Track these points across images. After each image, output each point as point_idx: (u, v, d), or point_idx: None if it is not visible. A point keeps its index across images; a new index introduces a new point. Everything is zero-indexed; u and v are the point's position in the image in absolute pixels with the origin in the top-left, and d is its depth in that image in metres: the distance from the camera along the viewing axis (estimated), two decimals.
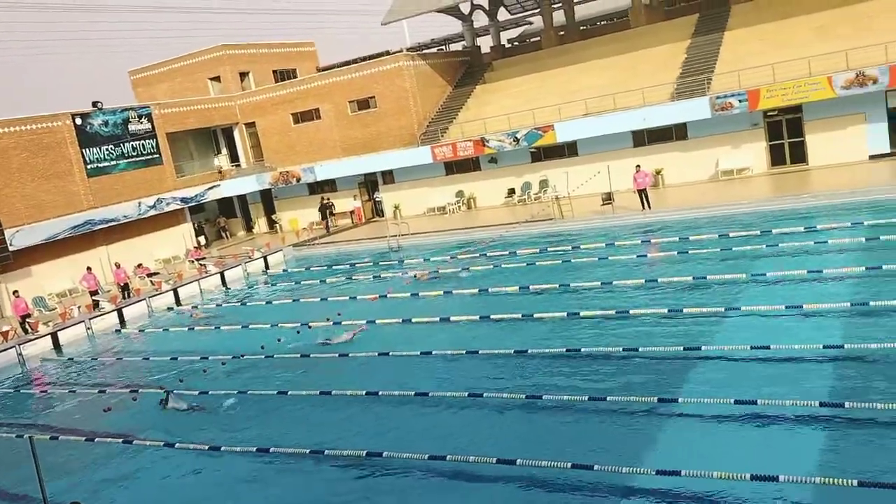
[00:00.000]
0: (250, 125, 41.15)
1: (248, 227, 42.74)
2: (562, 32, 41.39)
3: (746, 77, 27.83)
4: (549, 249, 23.51)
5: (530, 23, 52.59)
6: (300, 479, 11.21)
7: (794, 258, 17.79)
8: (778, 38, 30.12)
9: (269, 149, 40.68)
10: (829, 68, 26.17)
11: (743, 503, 8.50)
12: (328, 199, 38.49)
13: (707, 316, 14.95)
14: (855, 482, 8.10)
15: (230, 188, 39.58)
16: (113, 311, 25.48)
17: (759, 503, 8.43)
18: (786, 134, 28.77)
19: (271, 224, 41.55)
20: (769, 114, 28.53)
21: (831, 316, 13.71)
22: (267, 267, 30.47)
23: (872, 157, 27.17)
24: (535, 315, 16.85)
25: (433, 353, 15.47)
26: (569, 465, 9.73)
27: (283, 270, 29.68)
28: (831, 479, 8.28)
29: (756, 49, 29.90)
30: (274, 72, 43.65)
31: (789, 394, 10.63)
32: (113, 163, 33.67)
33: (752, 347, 12.60)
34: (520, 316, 17.04)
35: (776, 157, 29.15)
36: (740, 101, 27.39)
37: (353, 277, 25.42)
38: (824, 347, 12.11)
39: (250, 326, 20.65)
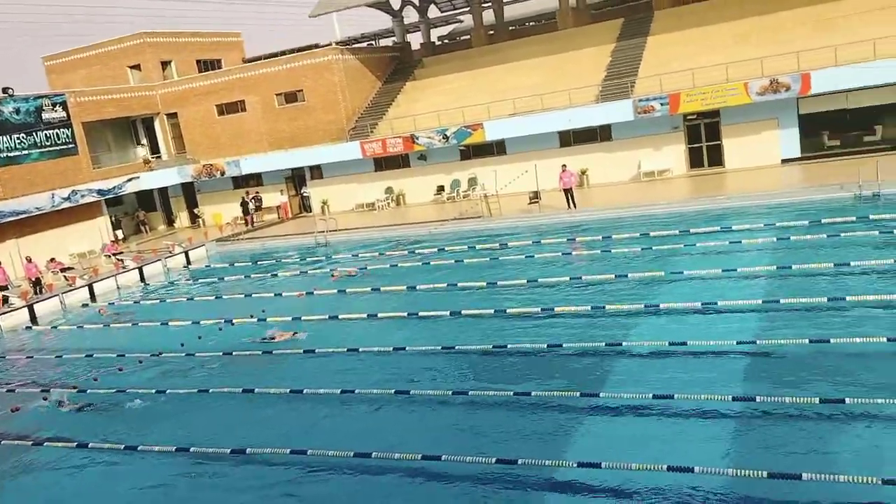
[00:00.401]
0: (172, 116, 39.93)
1: (169, 222, 41.49)
2: (491, 32, 41.77)
3: (668, 81, 28.71)
4: (477, 247, 23.68)
5: (461, 21, 52.87)
6: (221, 478, 10.95)
7: (711, 257, 18.46)
8: (698, 44, 31.19)
9: (191, 141, 39.57)
10: (745, 75, 27.27)
11: (660, 493, 8.75)
12: (256, 192, 37.77)
13: (628, 313, 15.35)
14: (764, 473, 8.46)
15: (150, 181, 38.33)
16: (23, 307, 24.30)
17: (675, 494, 8.70)
18: (704, 137, 29.84)
19: (193, 218, 40.44)
20: (689, 117, 29.52)
21: (744, 313, 14.28)
22: (188, 262, 29.63)
23: (784, 161, 28.47)
24: (463, 312, 16.94)
25: (360, 350, 15.36)
26: (493, 459, 9.83)
27: (206, 266, 28.93)
28: (742, 471, 8.62)
29: (677, 54, 30.88)
30: (198, 62, 42.48)
31: (704, 388, 11.01)
32: (24, 152, 32.11)
33: (669, 343, 12.99)
34: (448, 313, 17.09)
35: (695, 160, 30.20)
36: (662, 104, 28.24)
37: (279, 274, 25.00)
38: (738, 343, 12.59)
39: (170, 324, 20.04)
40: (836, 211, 20.43)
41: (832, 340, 11.93)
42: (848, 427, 9.63)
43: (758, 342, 12.55)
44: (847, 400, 9.90)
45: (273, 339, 16.96)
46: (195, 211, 40.26)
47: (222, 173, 37.38)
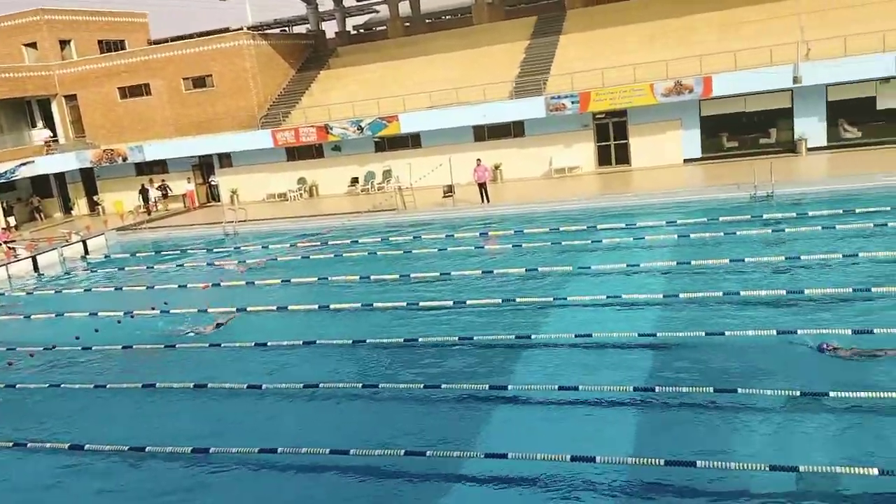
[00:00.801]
0: (71, 98, 38.00)
1: (67, 209, 39.48)
2: (407, 24, 41.64)
3: (578, 80, 29.38)
4: (390, 239, 23.62)
5: (376, 11, 52.41)
6: (118, 477, 10.51)
7: (616, 252, 19.05)
8: (608, 44, 32.04)
9: (92, 124, 37.74)
10: (651, 76, 28.21)
11: (564, 482, 8.97)
12: (163, 181, 36.47)
13: (537, 306, 15.65)
14: (662, 461, 8.80)
15: (46, 165, 36.37)
16: None
17: (578, 482, 8.94)
18: (612, 136, 30.72)
19: (93, 206, 38.61)
20: (598, 116, 30.32)
21: (646, 306, 14.81)
22: (87, 252, 28.28)
23: (686, 161, 29.66)
24: (375, 305, 16.85)
25: (268, 343, 15.05)
26: (402, 452, 9.84)
27: (105, 256, 27.70)
28: (642, 459, 8.95)
29: (588, 54, 31.63)
30: (99, 42, 40.51)
31: (607, 379, 11.35)
32: None
33: (576, 336, 13.33)
34: (359, 306, 16.97)
35: (603, 158, 31.06)
36: (572, 102, 28.89)
37: (184, 265, 24.20)
38: (639, 335, 13.04)
39: (65, 315, 19.08)
40: (734, 210, 21.45)
41: (727, 333, 12.51)
42: (739, 415, 10.12)
43: (658, 334, 13.03)
44: (739, 390, 10.41)
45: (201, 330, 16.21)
46: (95, 198, 38.44)
47: (124, 159, 35.83)
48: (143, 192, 35.55)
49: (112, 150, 35.84)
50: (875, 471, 8.09)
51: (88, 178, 38.50)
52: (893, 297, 13.51)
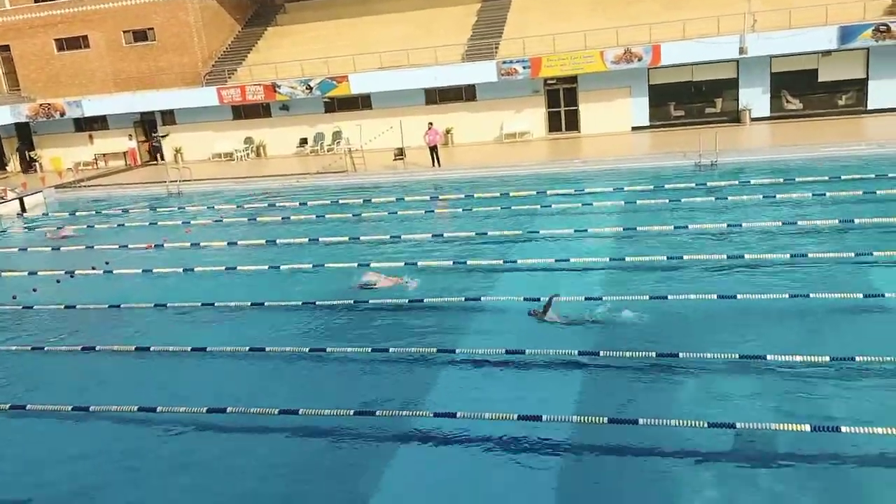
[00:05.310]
0: (3, 49, 36.23)
1: (1, 165, 37.88)
2: None
3: (530, 45, 29.35)
4: (340, 202, 23.40)
5: None
6: (64, 436, 10.34)
7: (564, 217, 19.27)
8: (558, 10, 31.99)
9: (27, 77, 36.19)
10: (601, 43, 28.33)
11: (511, 440, 9.16)
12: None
13: (487, 269, 15.77)
14: (605, 419, 9.05)
15: None
16: None
17: (524, 440, 9.14)
18: (562, 102, 30.85)
19: (29, 162, 37.15)
20: (549, 82, 30.38)
21: (593, 270, 15.06)
22: (23, 210, 27.29)
23: (635, 129, 30.05)
24: (326, 265, 16.71)
25: (215, 304, 14.83)
26: (351, 412, 9.87)
27: (43, 214, 26.79)
28: (586, 418, 9.18)
29: (539, 19, 31.55)
30: None
31: (555, 343, 11.55)
32: None
33: (524, 299, 13.47)
34: (310, 266, 16.82)
35: (553, 124, 31.24)
36: (524, 67, 28.87)
37: (126, 224, 23.57)
38: (586, 300, 13.26)
39: (1, 275, 18.44)
40: (679, 177, 21.87)
41: (669, 297, 12.82)
42: (680, 378, 10.44)
43: (604, 298, 13.27)
44: (680, 354, 10.69)
45: (373, 285, 15.24)
46: (31, 154, 36.97)
47: (62, 114, 34.49)
48: (21, 151, 34.28)
49: (49, 104, 34.45)
50: None
51: (24, 134, 36.97)
52: (827, 262, 14.04)
